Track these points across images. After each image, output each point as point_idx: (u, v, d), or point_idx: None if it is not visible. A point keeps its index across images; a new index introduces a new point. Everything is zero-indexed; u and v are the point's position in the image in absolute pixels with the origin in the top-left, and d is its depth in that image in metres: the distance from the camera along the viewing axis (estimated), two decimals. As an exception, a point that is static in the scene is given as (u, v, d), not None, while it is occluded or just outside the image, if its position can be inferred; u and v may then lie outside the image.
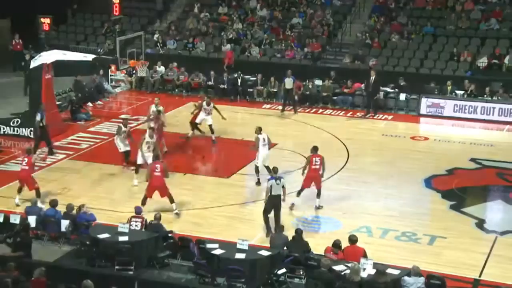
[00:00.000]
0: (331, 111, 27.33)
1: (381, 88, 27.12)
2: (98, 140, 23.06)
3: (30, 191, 17.67)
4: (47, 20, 29.42)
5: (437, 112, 26.65)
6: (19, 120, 23.09)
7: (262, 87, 28.67)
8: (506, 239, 16.53)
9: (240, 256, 14.09)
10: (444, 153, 22.60)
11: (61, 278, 12.58)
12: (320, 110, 27.39)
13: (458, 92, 26.98)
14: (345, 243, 14.36)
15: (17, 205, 17.59)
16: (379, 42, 30.74)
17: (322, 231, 16.87)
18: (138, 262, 14.58)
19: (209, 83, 29.24)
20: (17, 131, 22.97)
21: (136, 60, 24.90)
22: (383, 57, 30.06)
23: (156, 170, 17.14)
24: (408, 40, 30.66)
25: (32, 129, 22.21)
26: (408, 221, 17.28)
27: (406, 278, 13.23)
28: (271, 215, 16.36)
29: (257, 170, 19.15)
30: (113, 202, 18.22)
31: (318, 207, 17.84)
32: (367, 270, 13.38)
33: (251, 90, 28.79)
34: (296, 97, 27.02)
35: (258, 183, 19.14)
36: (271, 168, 17.17)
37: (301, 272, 14.34)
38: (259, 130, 19.18)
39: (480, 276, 14.78)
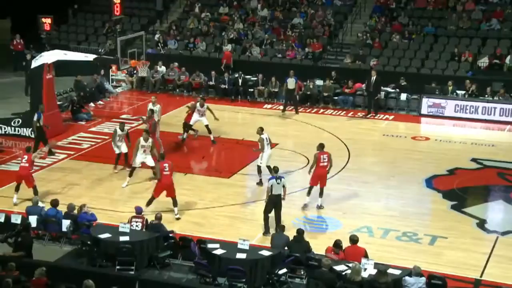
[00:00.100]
0: (332, 111, 27.32)
1: (382, 88, 27.11)
2: (99, 140, 23.06)
3: (29, 188, 17.69)
4: (48, 20, 29.42)
5: (438, 112, 26.64)
6: (20, 120, 23.09)
7: (263, 87, 28.67)
8: (507, 239, 16.52)
9: (241, 256, 14.10)
10: (445, 153, 22.59)
11: (62, 278, 12.58)
12: (321, 110, 27.39)
13: (459, 92, 26.97)
14: (346, 243, 14.36)
15: (15, 205, 17.59)
16: (380, 42, 30.73)
17: (323, 231, 16.86)
18: (139, 262, 14.59)
19: (210, 83, 29.24)
20: (18, 131, 22.98)
21: (137, 60, 24.87)
22: (384, 57, 30.05)
23: (165, 169, 17.14)
24: (409, 40, 30.65)
25: (43, 125, 22.20)
26: (409, 221, 17.28)
27: (407, 278, 13.23)
28: (272, 214, 16.37)
29: (259, 170, 19.13)
30: (114, 202, 18.23)
31: (320, 207, 17.84)
32: (368, 270, 13.39)
33: (252, 90, 28.79)
34: (297, 97, 27.03)
35: (260, 183, 19.13)
36: (272, 167, 17.18)
37: (302, 272, 14.36)
38: (261, 130, 19.18)
39: (481, 276, 14.77)
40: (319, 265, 13.45)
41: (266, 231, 16.27)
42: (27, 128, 22.69)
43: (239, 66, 29.87)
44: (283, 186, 16.36)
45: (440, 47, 30.09)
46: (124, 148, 20.12)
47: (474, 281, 14.53)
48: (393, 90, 27.68)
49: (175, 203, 17.21)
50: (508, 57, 28.45)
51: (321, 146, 17.96)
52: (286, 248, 14.64)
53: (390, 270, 13.37)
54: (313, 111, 27.24)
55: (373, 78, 26.52)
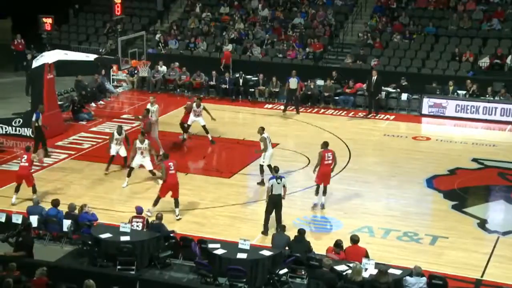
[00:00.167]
0: (332, 111, 27.31)
1: (382, 88, 27.10)
2: (100, 140, 23.04)
3: (29, 187, 17.71)
4: (49, 20, 29.33)
5: (439, 112, 26.63)
6: (21, 120, 23.09)
7: (264, 87, 28.67)
8: (508, 239, 16.51)
9: (241, 256, 14.10)
10: (446, 153, 22.58)
11: (62, 278, 12.59)
12: (322, 110, 27.38)
13: (460, 92, 26.95)
14: (346, 243, 14.36)
15: (13, 205, 17.60)
16: (380, 42, 30.73)
17: (324, 231, 16.85)
18: (139, 262, 14.60)
19: (211, 83, 29.23)
20: (19, 131, 22.95)
21: (138, 60, 24.87)
22: (385, 57, 30.05)
23: (171, 168, 17.14)
24: (410, 40, 30.64)
25: (42, 125, 22.23)
26: (409, 221, 17.28)
27: (408, 278, 13.23)
28: (272, 214, 16.37)
29: (262, 169, 19.11)
30: (114, 202, 18.24)
31: (323, 206, 17.83)
32: (369, 270, 13.38)
33: (253, 90, 28.79)
34: (299, 97, 27.04)
35: (262, 183, 19.11)
36: (272, 167, 17.16)
37: (303, 272, 14.35)
38: (262, 130, 19.17)
39: (482, 276, 14.77)
40: (320, 265, 13.46)
41: (264, 231, 16.29)
42: (28, 128, 22.67)
43: (239, 66, 29.85)
44: (284, 186, 16.37)
45: (441, 47, 30.09)
46: (122, 152, 20.06)
47: (475, 281, 14.53)
48: (394, 90, 27.67)
49: (177, 204, 17.21)
50: (509, 57, 28.44)
51: (325, 144, 18.00)
52: (287, 248, 14.64)
53: (390, 270, 13.37)
54: (314, 111, 27.24)
55: (374, 78, 26.51)
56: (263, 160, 19.03)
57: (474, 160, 21.80)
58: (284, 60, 30.65)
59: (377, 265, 13.50)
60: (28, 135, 22.70)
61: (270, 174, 17.23)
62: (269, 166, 18.72)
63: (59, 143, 22.76)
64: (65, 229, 15.67)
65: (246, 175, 20.48)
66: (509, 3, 31.29)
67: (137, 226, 15.33)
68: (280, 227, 15.39)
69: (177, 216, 17.15)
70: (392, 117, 26.63)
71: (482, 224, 17.32)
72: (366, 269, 13.37)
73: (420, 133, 25.13)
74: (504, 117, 25.87)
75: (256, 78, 29.09)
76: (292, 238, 14.78)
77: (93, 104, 27.36)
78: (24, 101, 25.34)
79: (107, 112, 26.83)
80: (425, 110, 26.79)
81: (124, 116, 25.93)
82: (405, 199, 18.81)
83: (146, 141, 19.13)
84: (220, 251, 14.27)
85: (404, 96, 27.35)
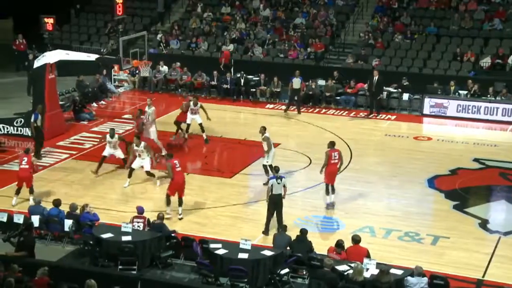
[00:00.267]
0: (334, 111, 27.32)
1: (384, 88, 27.10)
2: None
3: (28, 188, 17.74)
4: (51, 20, 29.42)
5: (440, 112, 26.63)
6: (22, 120, 23.10)
7: (265, 87, 28.67)
8: (509, 240, 16.50)
9: (243, 256, 14.11)
10: (447, 153, 22.57)
11: (64, 278, 12.57)
12: (323, 110, 27.38)
13: (461, 92, 26.94)
14: (348, 243, 14.36)
15: (13, 206, 17.61)
16: (382, 42, 30.73)
17: (325, 231, 16.84)
18: (141, 262, 14.60)
19: (212, 83, 29.23)
20: (20, 131, 22.97)
21: (139, 60, 24.89)
22: (386, 57, 30.05)
23: (177, 166, 17.16)
24: (411, 40, 30.64)
25: (40, 125, 22.28)
26: (411, 221, 17.28)
27: (409, 278, 13.23)
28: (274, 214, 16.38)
29: (267, 169, 19.04)
30: (116, 202, 18.25)
31: (331, 204, 17.87)
32: (370, 270, 13.39)
33: (254, 90, 28.79)
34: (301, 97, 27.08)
35: (267, 183, 19.05)
36: (273, 167, 17.16)
37: (304, 272, 14.36)
38: (264, 130, 19.15)
39: (483, 276, 14.76)
40: (321, 265, 13.45)
41: (265, 231, 16.29)
42: (30, 128, 22.70)
43: (241, 66, 29.86)
44: (284, 186, 16.37)
45: (442, 47, 30.09)
46: (119, 154, 20.02)
47: (476, 281, 14.52)
48: (395, 90, 27.66)
49: (181, 203, 17.22)
50: (511, 57, 28.45)
51: (332, 144, 18.04)
52: (288, 248, 14.64)
53: (392, 270, 13.36)
54: (315, 111, 27.23)
55: (375, 78, 26.51)
56: (266, 160, 18.97)
57: (476, 160, 21.79)
58: (285, 60, 30.66)
59: (378, 265, 13.50)
60: (29, 135, 22.71)
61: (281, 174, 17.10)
62: (270, 166, 18.71)
63: (61, 143, 22.77)
64: (66, 229, 15.68)
65: (247, 175, 20.48)
66: (511, 3, 31.28)
67: (138, 226, 15.34)
68: (281, 227, 15.40)
69: (179, 214, 17.15)
70: (394, 117, 26.63)
71: (484, 224, 17.31)
72: (367, 269, 13.37)
73: (422, 133, 25.13)
74: (505, 117, 25.86)
75: (257, 78, 29.09)
76: (294, 238, 14.77)
77: (94, 104, 27.37)
78: (26, 101, 25.35)
79: (108, 112, 26.84)
80: (426, 110, 26.78)
81: (126, 116, 25.93)
82: (406, 199, 18.81)
83: (142, 143, 19.12)
84: (221, 251, 14.28)
85: (405, 96, 27.34)
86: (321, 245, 15.01)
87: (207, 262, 14.20)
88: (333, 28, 32.05)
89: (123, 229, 15.07)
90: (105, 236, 14.90)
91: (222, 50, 31.00)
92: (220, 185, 19.51)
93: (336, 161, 17.78)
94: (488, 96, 26.54)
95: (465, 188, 19.55)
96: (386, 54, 30.21)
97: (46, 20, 29.19)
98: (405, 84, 27.61)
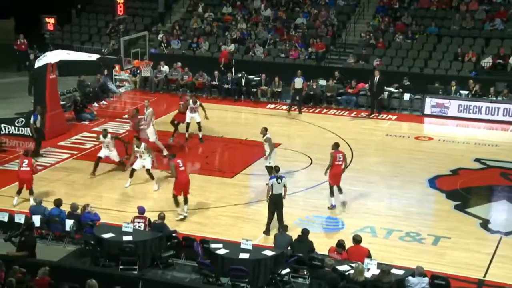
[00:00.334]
0: (335, 111, 27.31)
1: (385, 88, 27.10)
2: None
3: (27, 190, 17.75)
4: (52, 20, 29.43)
5: (442, 112, 26.62)
6: (23, 120, 23.11)
7: (266, 87, 28.67)
8: (510, 240, 16.48)
9: (244, 256, 14.11)
10: (448, 153, 22.56)
11: (65, 278, 12.59)
12: (324, 110, 27.37)
13: (462, 92, 26.93)
14: (349, 243, 14.36)
15: (14, 205, 17.62)
16: (383, 42, 30.73)
17: (326, 231, 16.84)
18: (142, 261, 14.60)
19: (213, 83, 29.24)
20: (21, 131, 22.99)
21: (140, 60, 24.90)
22: (387, 57, 30.04)
23: (180, 165, 17.15)
24: (412, 40, 30.64)
25: (39, 127, 22.32)
26: (412, 221, 17.27)
27: (410, 278, 13.22)
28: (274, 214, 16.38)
29: (270, 170, 19.01)
30: (117, 202, 18.26)
31: (345, 203, 17.94)
32: (371, 270, 13.38)
33: (255, 90, 28.79)
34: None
35: None
36: (273, 167, 17.18)
37: (305, 272, 14.35)
38: (265, 130, 19.12)
39: (484, 276, 14.75)
40: (322, 265, 13.45)
41: (266, 231, 16.30)
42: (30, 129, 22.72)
43: (242, 66, 29.85)
44: (284, 186, 16.37)
45: (444, 47, 30.07)
46: (114, 156, 19.97)
47: (478, 282, 14.51)
48: (396, 90, 27.65)
49: (186, 201, 17.21)
50: (512, 57, 28.46)
51: (336, 145, 18.06)
52: (289, 248, 14.64)
53: (393, 270, 13.36)
54: (316, 111, 27.23)
55: (376, 78, 26.50)
56: (269, 161, 18.92)
57: (477, 160, 21.78)
58: (286, 60, 30.67)
59: (379, 265, 13.49)
60: (30, 135, 22.74)
61: (282, 174, 17.07)
62: (266, 165, 18.72)
63: (62, 143, 22.79)
64: (67, 228, 15.69)
65: (248, 175, 20.48)
66: (512, 3, 31.32)
67: (139, 226, 15.35)
68: (282, 227, 15.40)
69: (185, 212, 17.16)
70: (395, 117, 26.62)
71: (485, 224, 17.31)
72: (368, 269, 13.37)
73: (423, 133, 25.12)
74: (506, 117, 25.85)
75: (258, 78, 29.09)
76: (295, 238, 14.77)
77: (95, 104, 27.38)
78: (27, 101, 25.36)
79: (109, 112, 26.85)
80: (427, 110, 26.78)
81: (126, 116, 25.92)
82: (407, 199, 18.80)
83: (143, 144, 19.10)
84: (222, 251, 14.28)
85: (406, 96, 27.34)
86: (322, 245, 14.99)
87: (208, 262, 14.21)
88: (334, 28, 32.05)
89: (124, 229, 15.07)
90: (106, 236, 14.90)
91: (222, 49, 31.00)
92: (221, 185, 19.51)
93: (341, 162, 17.80)
94: (489, 96, 26.53)
95: (466, 188, 19.54)
96: (387, 54, 30.21)
97: (47, 20, 29.20)
98: (406, 84, 27.60)
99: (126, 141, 20.75)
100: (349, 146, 22.73)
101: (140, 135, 20.82)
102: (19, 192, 17.80)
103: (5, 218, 16.09)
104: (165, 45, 32.29)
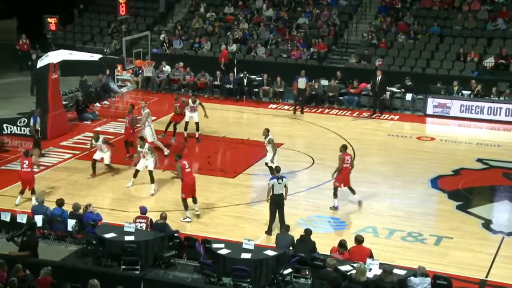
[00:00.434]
0: (337, 111, 27.31)
1: (387, 88, 27.09)
2: (104, 140, 23.07)
3: (29, 190, 17.76)
4: (54, 20, 29.47)
5: (444, 112, 26.61)
6: (25, 119, 23.13)
7: (268, 87, 28.67)
8: (512, 240, 16.50)
9: (246, 256, 14.11)
10: (450, 153, 22.55)
11: (67, 278, 12.61)
12: (326, 110, 27.37)
13: (464, 92, 26.93)
14: (351, 243, 14.35)
15: (16, 205, 17.64)
16: (385, 42, 30.71)
17: (328, 231, 16.83)
18: (144, 261, 14.61)
19: (215, 83, 29.25)
20: (23, 131, 23.01)
21: (142, 60, 24.91)
22: (390, 57, 30.02)
23: (186, 167, 17.10)
24: (415, 40, 30.62)
25: (39, 129, 22.33)
26: (414, 222, 17.26)
27: (412, 278, 13.22)
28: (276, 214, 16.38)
29: (271, 169, 19.01)
30: (119, 202, 18.26)
31: (360, 202, 17.99)
32: (373, 270, 13.38)
33: (257, 90, 28.79)
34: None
35: None
36: (274, 167, 17.19)
37: (307, 272, 14.35)
38: (267, 131, 19.10)
39: (486, 276, 14.75)
40: (324, 265, 13.45)
41: (268, 231, 16.30)
42: (30, 131, 22.72)
43: (244, 66, 29.86)
44: (285, 186, 16.36)
45: (446, 47, 30.05)
46: (106, 159, 19.91)
47: (480, 282, 14.51)
48: (398, 90, 27.65)
49: (195, 201, 17.19)
50: (514, 57, 28.43)
51: (344, 148, 18.09)
52: (291, 248, 14.63)
53: (395, 271, 13.35)
54: (318, 111, 27.23)
55: (379, 78, 26.50)
56: (271, 162, 18.90)
57: (479, 160, 21.77)
58: (288, 60, 30.66)
59: (381, 265, 13.49)
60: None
61: (282, 174, 17.07)
62: (269, 166, 18.71)
63: (64, 143, 22.81)
64: (69, 228, 15.70)
65: (250, 175, 20.47)
66: (514, 3, 31.28)
67: (141, 226, 15.35)
68: (284, 227, 15.39)
69: (196, 211, 17.17)
70: (397, 117, 26.62)
71: (487, 224, 17.29)
72: (370, 269, 13.37)
73: (425, 133, 25.11)
74: (509, 118, 25.83)
75: (260, 78, 29.10)
76: (297, 237, 14.76)
77: (97, 104, 27.40)
78: (29, 101, 25.39)
79: (111, 112, 26.86)
80: (429, 110, 26.76)
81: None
82: (409, 199, 18.79)
83: (146, 145, 19.07)
84: (224, 251, 14.28)
85: (408, 96, 27.33)
86: (324, 245, 14.99)
87: (210, 262, 14.21)
88: (336, 28, 32.03)
89: (126, 229, 15.08)
90: (108, 236, 14.91)
91: (221, 49, 31.02)
92: (223, 185, 19.51)
93: (348, 164, 17.82)
94: (492, 96, 26.52)
95: (469, 189, 19.53)
96: (389, 54, 30.19)
97: (49, 20, 29.23)
98: (408, 84, 27.59)
99: (114, 145, 20.63)
100: (351, 146, 22.71)
101: (139, 132, 20.83)
102: (22, 192, 17.85)
103: (7, 218, 16.12)
104: (167, 45, 32.29)
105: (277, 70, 29.00)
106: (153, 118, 24.07)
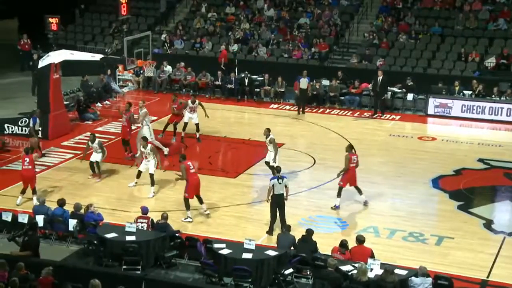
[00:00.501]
0: (338, 111, 27.30)
1: (388, 88, 27.08)
2: (105, 140, 22.98)
3: (31, 188, 17.76)
4: (55, 20, 29.45)
5: (445, 112, 26.59)
6: (27, 119, 23.15)
7: (269, 87, 28.67)
8: (514, 240, 16.49)
9: (247, 256, 14.11)
10: (451, 153, 22.54)
11: (68, 277, 12.61)
12: (328, 110, 27.37)
13: (466, 92, 26.91)
14: (352, 243, 14.35)
15: (17, 205, 17.65)
16: (386, 42, 30.70)
17: (329, 231, 16.82)
18: (145, 261, 14.62)
19: (216, 83, 29.25)
20: (25, 131, 23.01)
21: (143, 60, 24.92)
22: (391, 57, 30.01)
23: (191, 167, 17.08)
24: (416, 40, 30.61)
25: (40, 129, 22.35)
26: (415, 222, 17.25)
27: (413, 278, 13.22)
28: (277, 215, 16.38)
29: (272, 168, 19.01)
30: (120, 202, 18.26)
31: (366, 202, 18.00)
32: (374, 270, 13.38)
33: (258, 90, 28.79)
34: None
35: None
36: (274, 167, 17.19)
37: (308, 272, 14.35)
38: (268, 131, 19.11)
39: (488, 277, 14.74)
40: (325, 265, 13.45)
41: (269, 231, 16.30)
42: (29, 132, 22.74)
43: (245, 66, 29.87)
44: (285, 186, 16.35)
45: (447, 47, 30.05)
46: (98, 158, 19.87)
47: (481, 282, 14.50)
48: (399, 90, 27.64)
49: (201, 200, 17.20)
50: (515, 57, 28.41)
51: (350, 147, 18.12)
52: (292, 248, 14.63)
53: (396, 271, 13.35)
54: (319, 111, 27.23)
55: (380, 78, 26.49)
56: (273, 162, 18.88)
57: (480, 160, 21.76)
58: (289, 60, 30.66)
59: (382, 265, 13.49)
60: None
61: (283, 174, 17.08)
62: (269, 165, 18.70)
63: (65, 142, 22.82)
64: (70, 228, 15.71)
65: (251, 175, 20.47)
66: (516, 3, 31.27)
67: (142, 226, 15.35)
68: (285, 227, 15.38)
69: (205, 211, 17.21)
70: (398, 117, 26.61)
71: (488, 224, 17.29)
72: (371, 269, 13.36)
73: (426, 133, 25.10)
74: (510, 118, 25.82)
75: (261, 78, 29.10)
76: (298, 237, 14.76)
77: (99, 104, 27.40)
78: (30, 101, 25.41)
79: (112, 112, 26.85)
80: (431, 110, 26.75)
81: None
82: (410, 199, 18.78)
83: (149, 146, 19.04)
84: (225, 251, 14.28)
85: (410, 96, 27.32)
86: (325, 245, 14.98)
87: (211, 262, 14.21)
88: (338, 28, 32.03)
89: (127, 229, 15.08)
90: (109, 236, 14.92)
91: (221, 49, 31.02)
92: (224, 185, 19.52)
93: (354, 164, 17.82)
94: (493, 96, 26.51)
95: (470, 189, 19.52)
96: (390, 54, 30.18)
97: (50, 20, 29.20)
98: (409, 84, 27.58)
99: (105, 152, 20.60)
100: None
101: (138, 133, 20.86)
102: (23, 192, 17.84)
103: (8, 218, 16.12)
104: (168, 45, 32.30)
105: (278, 70, 29.00)
106: (154, 118, 24.22)
